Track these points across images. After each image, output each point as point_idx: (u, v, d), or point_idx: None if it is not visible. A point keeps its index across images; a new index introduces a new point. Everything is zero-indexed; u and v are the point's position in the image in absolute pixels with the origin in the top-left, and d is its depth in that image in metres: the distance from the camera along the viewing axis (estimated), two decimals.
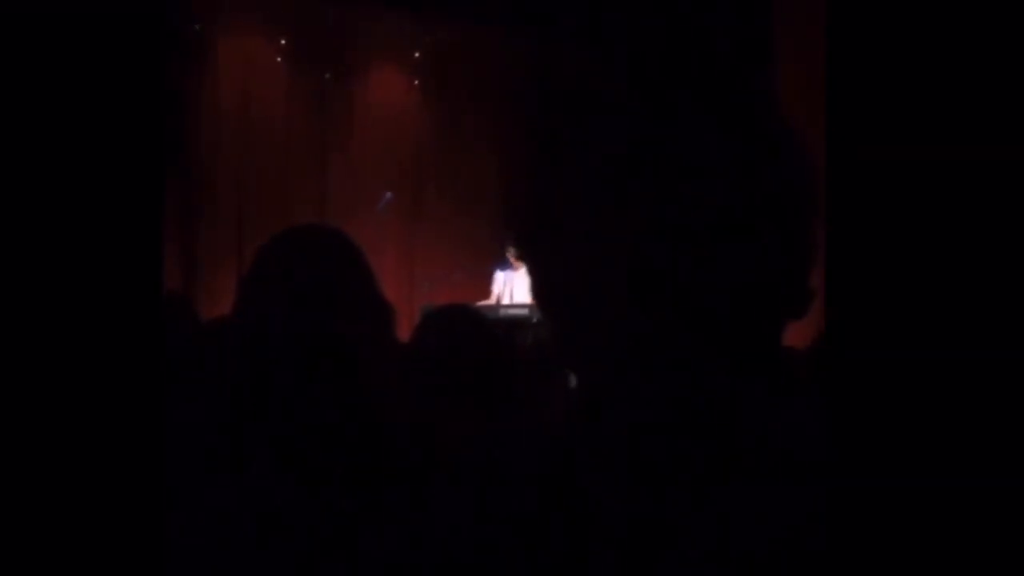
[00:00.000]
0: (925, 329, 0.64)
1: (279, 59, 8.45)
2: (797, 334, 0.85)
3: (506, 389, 1.93)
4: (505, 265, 7.52)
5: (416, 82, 9.05)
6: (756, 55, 0.74)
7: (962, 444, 0.62)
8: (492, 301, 7.47)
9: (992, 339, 0.63)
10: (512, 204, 0.85)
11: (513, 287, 7.45)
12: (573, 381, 3.01)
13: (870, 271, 0.65)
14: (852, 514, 0.63)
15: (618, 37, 0.72)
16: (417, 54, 8.94)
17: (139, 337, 0.62)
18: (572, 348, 0.73)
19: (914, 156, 0.65)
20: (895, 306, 0.65)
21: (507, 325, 6.46)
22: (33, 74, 0.54)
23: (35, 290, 0.58)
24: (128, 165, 0.58)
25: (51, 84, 0.55)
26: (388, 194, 7.80)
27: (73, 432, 0.61)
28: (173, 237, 7.38)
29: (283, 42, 8.43)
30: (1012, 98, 0.64)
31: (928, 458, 0.63)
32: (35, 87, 0.55)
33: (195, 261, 7.92)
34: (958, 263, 0.64)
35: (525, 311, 6.91)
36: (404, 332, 2.51)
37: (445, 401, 1.87)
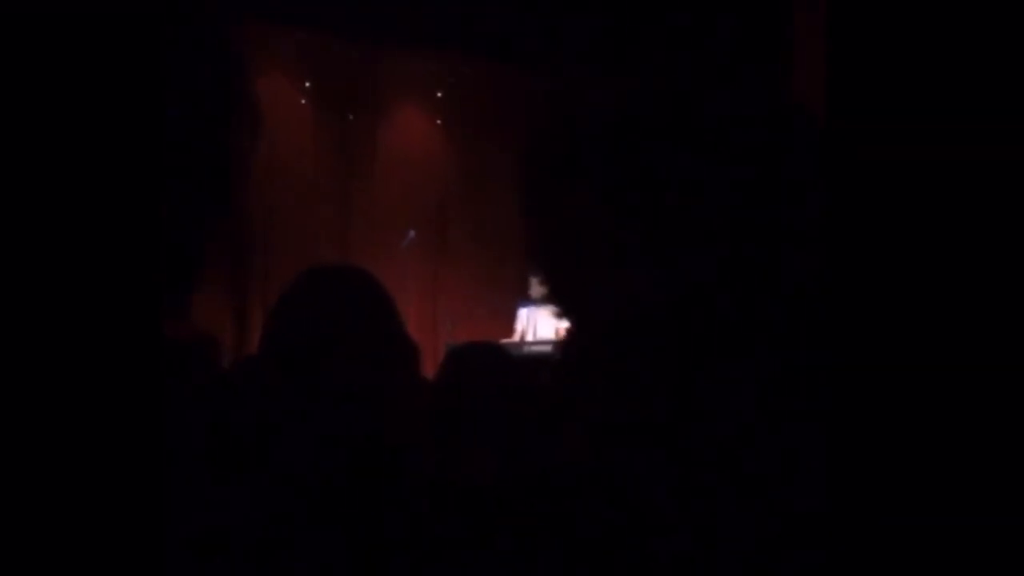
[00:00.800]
0: (927, 329, 0.64)
1: (303, 101, 8.55)
2: None
3: (530, 425, 1.93)
4: (529, 302, 7.52)
5: (439, 121, 9.12)
6: (773, 75, 0.75)
7: (965, 452, 0.62)
8: (516, 338, 7.46)
9: (992, 339, 0.62)
10: (533, 240, 0.85)
11: (537, 323, 7.44)
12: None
13: (870, 271, 0.65)
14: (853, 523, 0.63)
15: (636, 67, 0.73)
16: (439, 94, 9.02)
17: (135, 360, 0.59)
18: (606, 377, 0.73)
19: (914, 156, 0.65)
20: (896, 306, 0.64)
21: (531, 362, 6.44)
22: (28, 76, 0.54)
23: (26, 303, 0.56)
24: (126, 170, 0.58)
25: (48, 86, 0.55)
26: (411, 232, 7.84)
27: (67, 462, 0.58)
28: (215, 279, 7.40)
29: (307, 84, 8.53)
30: (1012, 98, 0.64)
31: (930, 463, 0.62)
32: (30, 90, 0.55)
33: (244, 303, 7.92)
34: (959, 263, 0.63)
35: (549, 348, 6.88)
36: (428, 369, 2.51)
37: (469, 438, 1.87)
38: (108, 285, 0.58)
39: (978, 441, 0.62)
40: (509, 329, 7.69)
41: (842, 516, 0.63)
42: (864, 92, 0.66)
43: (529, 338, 7.41)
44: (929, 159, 0.64)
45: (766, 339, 0.69)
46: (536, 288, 7.23)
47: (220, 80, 0.68)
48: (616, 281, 0.71)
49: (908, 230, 0.64)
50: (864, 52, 0.66)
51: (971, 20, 0.65)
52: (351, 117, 8.80)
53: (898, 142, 0.65)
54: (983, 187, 0.63)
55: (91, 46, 0.56)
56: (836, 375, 0.65)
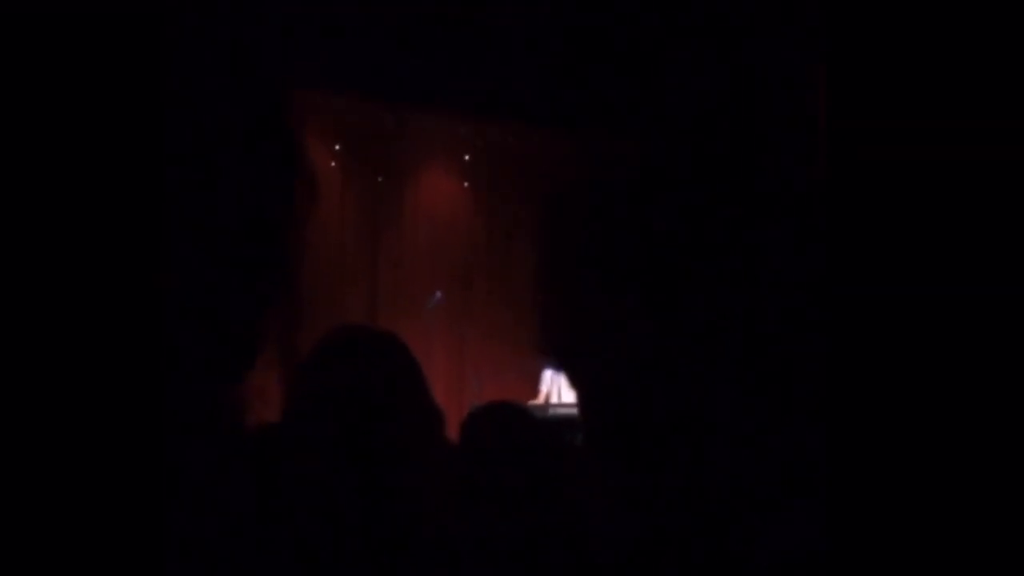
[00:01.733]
0: (927, 330, 0.63)
1: (333, 164, 8.67)
2: None
3: (552, 487, 1.92)
4: (553, 364, 7.47)
5: (466, 184, 9.21)
6: (804, 143, 0.75)
7: (965, 452, 0.61)
8: (540, 400, 7.42)
9: (992, 339, 0.62)
10: (548, 316, 0.84)
11: (561, 386, 7.40)
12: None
13: (870, 271, 0.65)
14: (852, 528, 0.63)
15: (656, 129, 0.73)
16: (467, 157, 9.13)
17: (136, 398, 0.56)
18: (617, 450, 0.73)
19: (914, 156, 0.64)
20: (896, 306, 0.64)
21: (555, 424, 6.39)
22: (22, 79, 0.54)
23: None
24: (129, 174, 0.57)
25: (45, 90, 0.54)
26: (438, 293, 7.87)
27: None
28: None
29: (337, 147, 8.65)
30: (1012, 98, 0.63)
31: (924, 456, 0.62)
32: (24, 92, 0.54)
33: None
34: (958, 262, 0.63)
35: (574, 410, 6.83)
36: (453, 431, 2.50)
37: (493, 499, 1.86)
38: (109, 291, 0.56)
39: (978, 440, 0.61)
40: (534, 391, 7.66)
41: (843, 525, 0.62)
42: (864, 92, 0.66)
43: (554, 400, 7.37)
44: (929, 159, 0.64)
45: (771, 365, 0.69)
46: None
47: (282, 147, 0.68)
48: (625, 336, 0.71)
49: (908, 230, 0.64)
50: (864, 52, 0.66)
51: (971, 20, 0.64)
52: (380, 179, 8.90)
53: (898, 142, 0.65)
54: (983, 187, 0.63)
55: (90, 52, 0.55)
56: (837, 381, 0.64)
